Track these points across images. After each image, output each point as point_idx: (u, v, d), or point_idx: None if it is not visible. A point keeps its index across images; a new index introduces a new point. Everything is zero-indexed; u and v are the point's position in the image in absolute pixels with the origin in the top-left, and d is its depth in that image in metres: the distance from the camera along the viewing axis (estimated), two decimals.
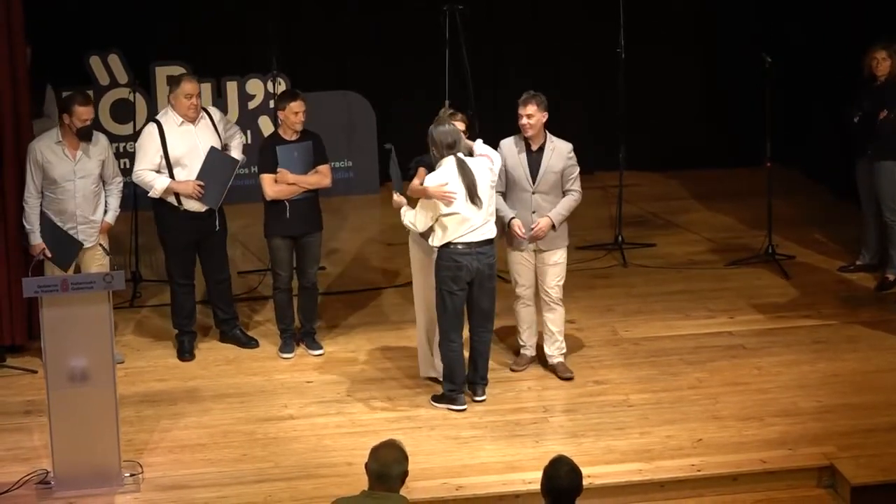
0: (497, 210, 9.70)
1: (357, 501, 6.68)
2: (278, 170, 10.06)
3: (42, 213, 9.86)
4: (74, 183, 9.85)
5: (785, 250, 12.10)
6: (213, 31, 13.63)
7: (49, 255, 9.87)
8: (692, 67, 14.57)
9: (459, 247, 9.31)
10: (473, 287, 9.42)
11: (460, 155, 9.30)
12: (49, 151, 9.80)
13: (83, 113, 9.80)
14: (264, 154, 10.16)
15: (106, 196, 10.06)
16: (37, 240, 9.88)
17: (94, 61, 13.38)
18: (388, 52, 14.22)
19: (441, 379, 9.70)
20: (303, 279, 10.37)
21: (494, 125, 12.76)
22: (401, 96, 14.08)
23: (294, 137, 10.13)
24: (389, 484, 6.65)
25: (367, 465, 6.69)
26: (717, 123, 14.51)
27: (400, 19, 14.08)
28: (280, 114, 10.16)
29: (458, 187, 9.25)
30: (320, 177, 10.18)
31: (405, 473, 6.70)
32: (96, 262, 9.99)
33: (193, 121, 10.20)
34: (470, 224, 9.30)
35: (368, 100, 14.03)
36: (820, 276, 11.71)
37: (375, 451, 6.71)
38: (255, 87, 13.72)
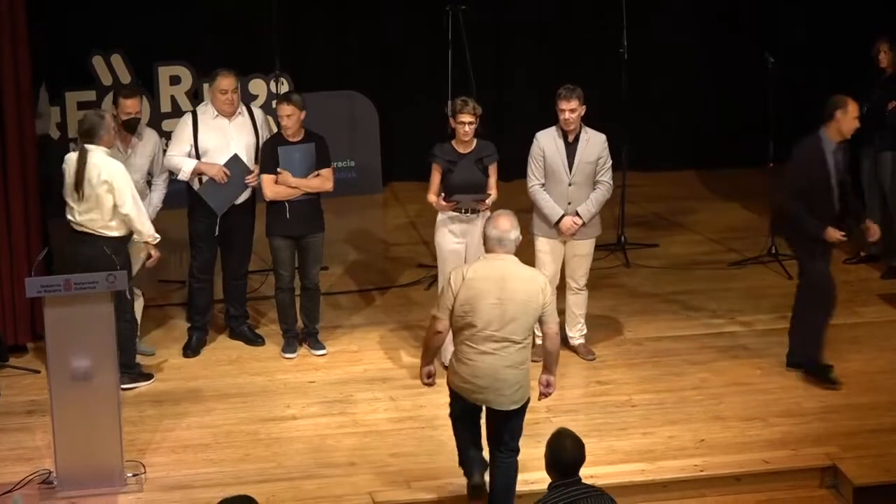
0: (542, 207, 9.75)
1: None
2: (279, 170, 10.04)
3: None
4: None
5: (787, 250, 12.08)
6: (215, 31, 13.62)
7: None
8: (695, 68, 14.57)
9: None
10: None
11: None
12: None
13: (128, 105, 9.84)
14: (266, 154, 10.13)
15: (151, 190, 10.10)
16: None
17: (97, 61, 13.36)
18: (392, 52, 14.22)
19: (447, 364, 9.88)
20: (305, 280, 10.36)
21: (496, 124, 12.79)
22: (404, 96, 14.07)
23: (297, 139, 10.11)
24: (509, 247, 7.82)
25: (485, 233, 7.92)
26: (720, 124, 14.50)
27: (403, 19, 14.07)
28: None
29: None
30: (322, 180, 10.15)
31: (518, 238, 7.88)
32: (142, 253, 9.92)
33: (229, 116, 10.19)
34: None
35: (371, 100, 14.02)
36: None
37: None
38: (257, 87, 13.70)
